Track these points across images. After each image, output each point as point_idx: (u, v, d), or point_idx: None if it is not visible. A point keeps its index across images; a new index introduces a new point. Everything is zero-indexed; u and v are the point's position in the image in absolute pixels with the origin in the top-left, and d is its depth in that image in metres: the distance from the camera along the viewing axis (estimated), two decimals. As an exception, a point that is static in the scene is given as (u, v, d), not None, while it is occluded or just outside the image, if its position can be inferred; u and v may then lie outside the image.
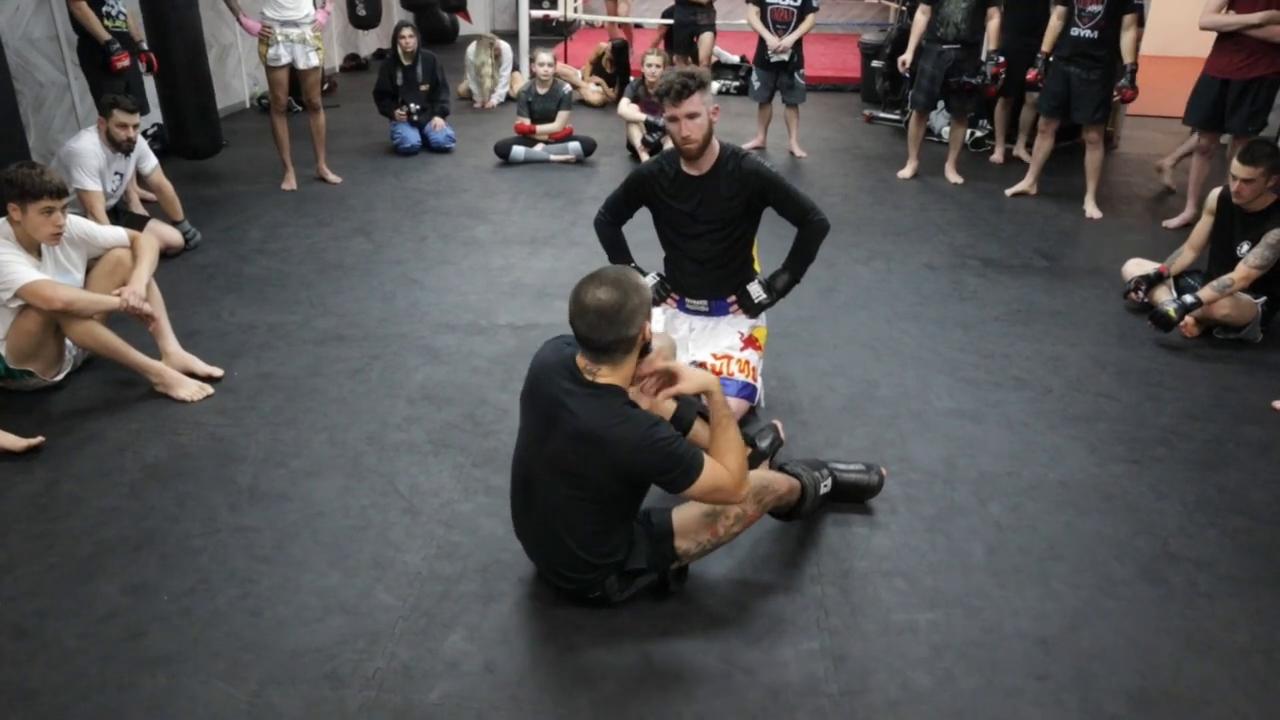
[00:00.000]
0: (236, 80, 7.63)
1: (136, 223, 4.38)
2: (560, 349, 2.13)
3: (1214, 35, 4.87)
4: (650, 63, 6.05)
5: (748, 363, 3.01)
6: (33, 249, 3.10)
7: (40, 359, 3.15)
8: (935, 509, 2.68)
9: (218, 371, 3.34)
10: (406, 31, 6.28)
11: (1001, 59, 5.56)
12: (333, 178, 5.70)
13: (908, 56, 5.90)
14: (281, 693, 2.02)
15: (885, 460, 2.86)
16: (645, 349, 2.10)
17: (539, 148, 6.20)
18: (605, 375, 2.04)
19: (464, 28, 10.92)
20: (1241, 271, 3.64)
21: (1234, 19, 4.66)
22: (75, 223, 3.22)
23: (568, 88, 6.38)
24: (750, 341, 3.07)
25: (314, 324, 3.79)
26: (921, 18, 5.74)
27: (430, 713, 1.98)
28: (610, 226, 3.16)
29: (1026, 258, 4.71)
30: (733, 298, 3.08)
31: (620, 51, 8.40)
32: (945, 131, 6.60)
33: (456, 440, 2.97)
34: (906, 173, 6.07)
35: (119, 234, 3.34)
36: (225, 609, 2.26)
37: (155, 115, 5.75)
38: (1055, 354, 3.65)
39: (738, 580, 2.38)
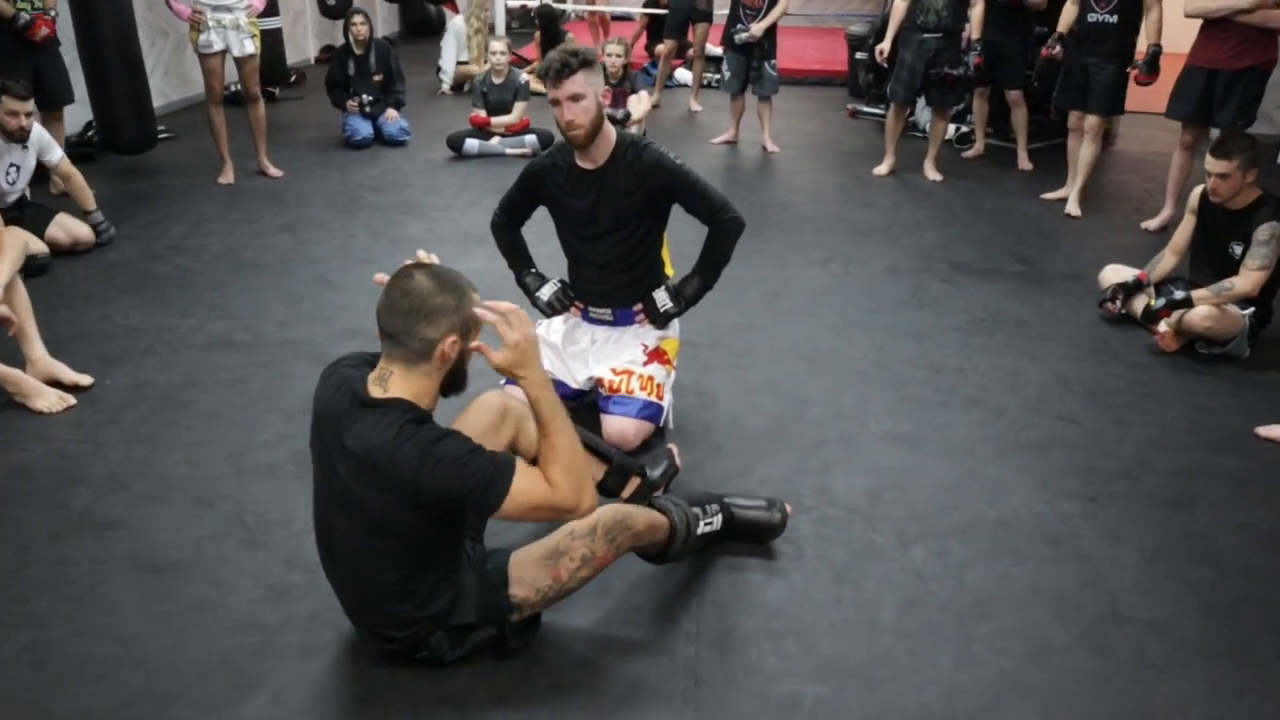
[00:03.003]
0: (195, 71, 7.32)
1: (42, 215, 4.11)
2: (343, 376, 1.78)
3: (1199, 23, 4.48)
4: (610, 52, 5.71)
5: (651, 379, 2.67)
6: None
7: (-121, 365, 2.85)
8: (848, 553, 2.32)
9: (85, 380, 3.04)
10: (358, 19, 5.98)
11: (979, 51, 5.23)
12: (273, 171, 5.40)
13: (885, 45, 5.52)
14: (33, 769, 1.71)
15: (802, 492, 2.51)
16: (454, 378, 1.76)
17: (494, 141, 5.87)
18: (395, 385, 1.70)
19: (450, 19, 10.60)
20: (1247, 279, 3.24)
21: (1223, 3, 4.26)
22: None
23: (524, 78, 6.05)
24: (656, 355, 2.72)
25: (207, 328, 3.47)
26: (901, 4, 5.34)
27: (200, 801, 1.66)
28: (507, 229, 2.84)
29: (999, 261, 4.33)
30: (638, 306, 2.74)
31: (548, 19, 7.96)
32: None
33: (322, 462, 2.65)
34: (882, 169, 5.68)
35: (-21, 229, 3.05)
36: (6, 659, 1.95)
37: (88, 113, 5.44)
38: (1016, 369, 3.28)
39: (600, 636, 2.04)
